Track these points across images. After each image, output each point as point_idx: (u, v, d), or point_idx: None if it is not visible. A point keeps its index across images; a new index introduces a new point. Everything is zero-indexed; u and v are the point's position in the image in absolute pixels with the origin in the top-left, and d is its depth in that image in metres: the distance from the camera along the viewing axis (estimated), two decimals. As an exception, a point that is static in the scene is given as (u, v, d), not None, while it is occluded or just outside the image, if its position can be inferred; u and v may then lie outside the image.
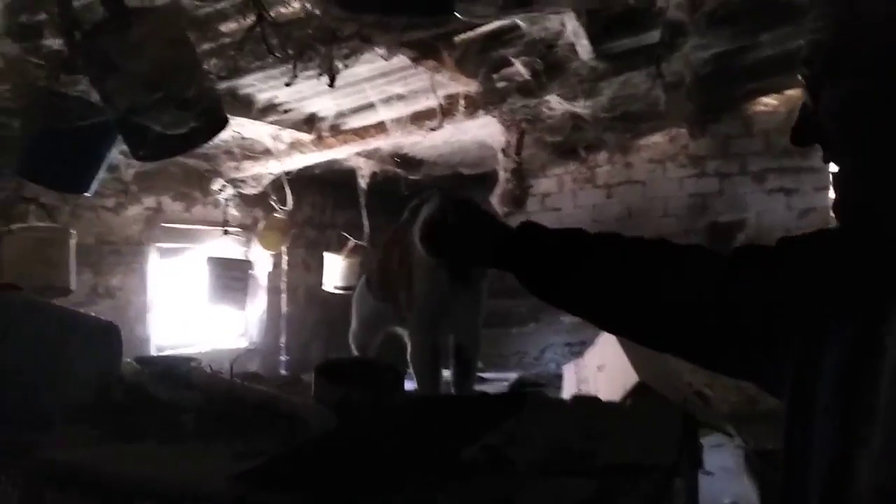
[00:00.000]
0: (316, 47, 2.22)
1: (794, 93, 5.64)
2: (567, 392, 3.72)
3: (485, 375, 5.30)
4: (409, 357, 1.60)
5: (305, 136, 4.35)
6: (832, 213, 0.76)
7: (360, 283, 1.89)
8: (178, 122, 1.63)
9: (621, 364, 3.21)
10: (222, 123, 1.91)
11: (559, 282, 0.96)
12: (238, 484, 0.95)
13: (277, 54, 2.10)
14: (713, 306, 0.86)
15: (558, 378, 4.45)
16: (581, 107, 4.16)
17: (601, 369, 3.58)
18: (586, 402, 1.49)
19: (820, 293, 0.76)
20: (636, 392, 2.81)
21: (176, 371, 1.44)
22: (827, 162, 0.76)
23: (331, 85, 2.60)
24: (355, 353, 2.09)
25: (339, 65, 2.44)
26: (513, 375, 5.28)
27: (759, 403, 4.12)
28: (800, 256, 0.83)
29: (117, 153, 2.35)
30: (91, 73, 1.76)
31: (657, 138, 5.96)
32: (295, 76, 2.34)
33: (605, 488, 0.96)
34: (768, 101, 5.77)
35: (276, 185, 4.81)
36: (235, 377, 1.59)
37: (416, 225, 1.47)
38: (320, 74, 2.51)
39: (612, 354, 3.50)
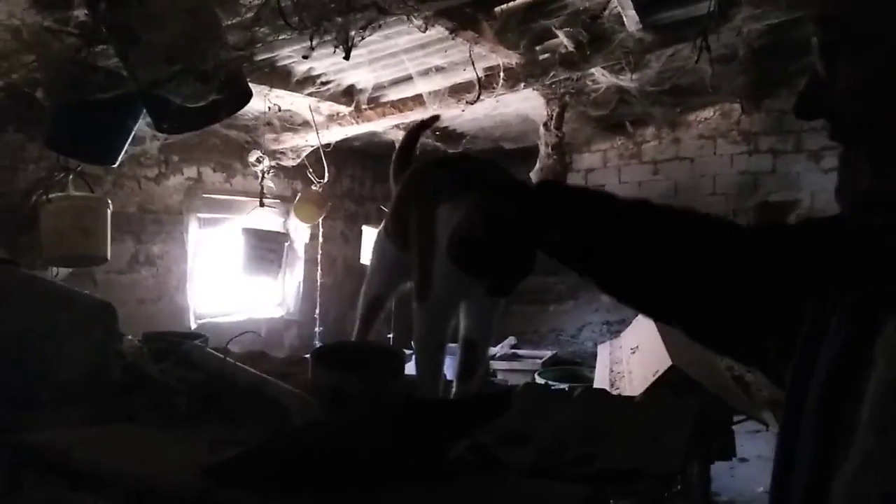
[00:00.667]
0: (332, 18, 2.15)
1: (857, 67, 5.34)
2: (599, 372, 3.64)
3: (520, 352, 5.26)
4: (413, 343, 1.50)
5: (344, 109, 4.30)
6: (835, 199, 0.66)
7: (379, 229, 1.68)
8: (198, 94, 1.60)
9: (656, 347, 3.12)
10: (245, 97, 1.87)
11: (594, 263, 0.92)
12: (205, 478, 0.92)
13: (293, 25, 2.04)
14: (727, 287, 0.79)
15: (594, 357, 4.36)
16: (627, 80, 4.00)
17: (635, 351, 3.49)
18: (593, 397, 1.40)
19: (822, 287, 0.68)
20: (668, 376, 2.72)
21: (176, 349, 1.42)
22: (834, 140, 0.65)
23: (346, 58, 2.53)
24: (364, 309, 1.81)
25: (359, 36, 2.36)
26: (547, 353, 5.22)
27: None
28: (810, 243, 0.75)
29: (142, 125, 2.34)
30: (114, 45, 1.74)
31: (707, 113, 5.73)
32: (312, 48, 2.28)
33: (596, 495, 0.90)
34: (828, 76, 5.47)
35: (315, 157, 4.80)
36: (238, 356, 1.56)
37: (443, 231, 1.27)
38: (336, 47, 2.43)
39: (648, 337, 3.40)
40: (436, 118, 2.23)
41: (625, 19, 3.41)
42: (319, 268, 5.31)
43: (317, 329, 5.19)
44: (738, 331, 0.79)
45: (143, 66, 1.59)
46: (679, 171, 5.82)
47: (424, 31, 3.01)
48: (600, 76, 4.07)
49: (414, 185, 1.55)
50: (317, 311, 5.23)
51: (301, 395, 1.25)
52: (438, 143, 5.31)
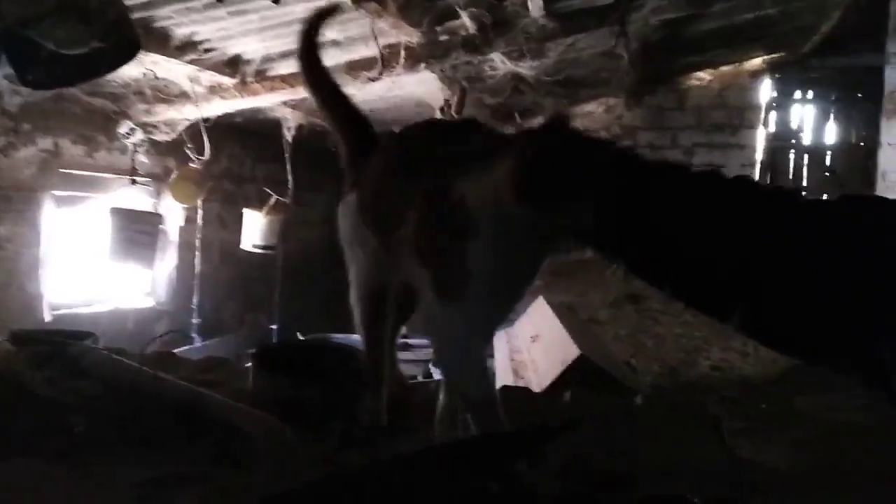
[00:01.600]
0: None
1: (727, 69, 5.67)
2: (499, 362, 3.59)
3: (410, 342, 5.14)
4: (437, 358, 1.18)
5: (227, 80, 3.97)
6: None
7: (345, 217, 1.38)
8: (76, 38, 1.32)
9: (559, 336, 3.11)
10: (133, 48, 1.60)
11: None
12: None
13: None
14: None
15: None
16: (526, 68, 3.97)
17: (535, 339, 3.48)
18: (585, 406, 1.27)
19: None
20: (576, 364, 2.72)
21: (62, 353, 1.11)
22: None
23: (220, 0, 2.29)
24: (365, 316, 1.34)
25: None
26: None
27: (682, 375, 4.16)
28: None
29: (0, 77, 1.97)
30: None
31: (592, 107, 5.88)
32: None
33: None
34: (702, 76, 5.78)
35: (193, 132, 4.41)
36: (143, 359, 1.29)
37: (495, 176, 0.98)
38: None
39: (548, 326, 3.40)
40: (335, 8, 1.88)
41: (529, 4, 3.37)
42: (199, 253, 4.91)
43: (193, 320, 4.79)
44: None
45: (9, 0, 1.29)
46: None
47: (327, -1, 2.79)
48: (499, 62, 4.02)
49: (408, 162, 1.25)
50: (194, 300, 4.83)
51: (262, 416, 0.99)
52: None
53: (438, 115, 4.29)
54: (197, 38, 3.52)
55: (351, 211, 1.35)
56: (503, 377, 3.44)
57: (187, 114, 4.24)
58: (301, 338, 4.45)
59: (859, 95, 5.36)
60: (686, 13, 3.55)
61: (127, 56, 1.62)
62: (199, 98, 4.04)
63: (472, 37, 3.57)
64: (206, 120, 4.22)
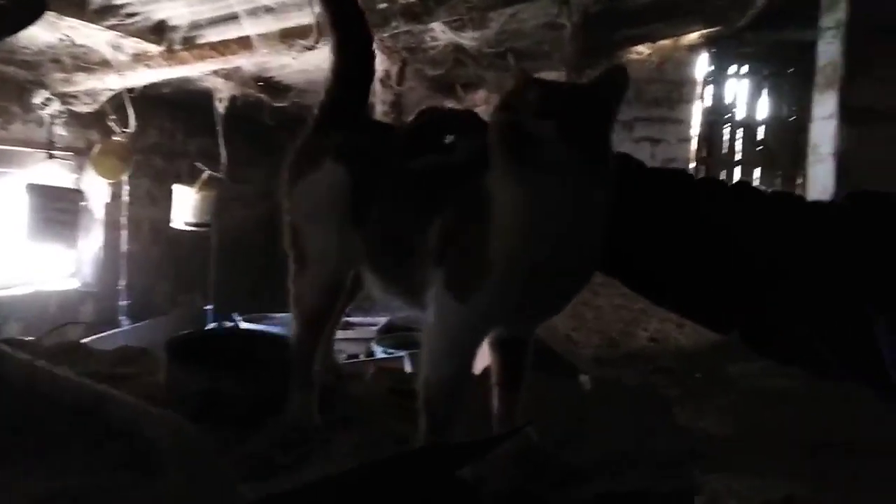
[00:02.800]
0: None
1: (666, 43, 5.71)
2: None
3: (352, 320, 5.05)
4: (428, 361, 0.95)
5: (153, 48, 3.74)
6: None
7: (324, 190, 1.08)
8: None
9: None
10: (38, 7, 1.44)
11: None
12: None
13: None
14: None
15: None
16: (467, 38, 3.88)
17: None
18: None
19: None
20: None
21: None
22: None
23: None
24: (311, 308, 1.15)
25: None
26: (382, 320, 5.07)
27: (621, 346, 4.22)
28: None
29: None
30: None
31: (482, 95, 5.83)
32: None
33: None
34: (641, 50, 5.80)
35: (117, 103, 4.16)
36: (47, 353, 1.17)
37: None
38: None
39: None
40: None
41: (471, -29, 3.27)
42: (126, 232, 4.67)
43: (121, 303, 4.57)
44: None
45: None
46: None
47: (259, -40, 2.64)
48: (440, 32, 3.92)
49: (433, 163, 1.02)
50: (121, 281, 4.60)
51: (169, 417, 0.85)
52: (262, 96, 4.86)
53: (378, 86, 4.16)
54: (117, 1, 3.29)
55: (328, 191, 1.09)
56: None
57: (110, 83, 4.00)
58: (221, 325, 4.28)
59: (791, 70, 5.49)
60: (627, -16, 3.52)
61: (31, 16, 1.46)
62: (123, 67, 3.80)
63: (412, 4, 3.46)
64: (130, 90, 3.99)
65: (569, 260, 0.89)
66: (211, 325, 4.57)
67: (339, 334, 4.99)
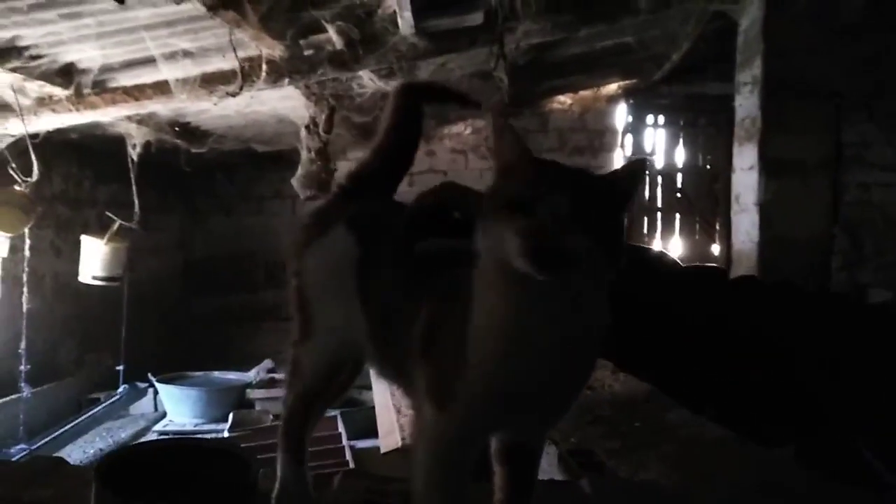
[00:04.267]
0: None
1: (587, 93, 5.90)
2: (378, 395, 3.39)
3: (278, 377, 4.83)
4: (416, 480, 0.85)
5: (59, 91, 3.49)
6: None
7: (335, 257, 1.00)
8: None
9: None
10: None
11: None
12: None
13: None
14: None
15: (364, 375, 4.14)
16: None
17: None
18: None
19: None
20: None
21: None
22: None
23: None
24: (294, 399, 1.04)
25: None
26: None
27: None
28: None
29: None
30: None
31: (459, 128, 5.89)
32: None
33: None
34: (564, 100, 5.97)
35: (18, 149, 3.84)
36: None
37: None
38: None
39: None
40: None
41: (400, 21, 3.24)
42: (26, 288, 4.28)
43: (21, 368, 4.15)
44: None
45: None
46: (434, 183, 5.86)
47: (179, 3, 2.51)
48: (368, 80, 3.87)
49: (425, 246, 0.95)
50: (22, 344, 4.19)
51: None
52: (179, 141, 4.65)
53: (303, 133, 4.05)
54: (21, 42, 3.06)
55: (336, 259, 1.01)
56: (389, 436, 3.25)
57: (11, 129, 3.70)
58: (167, 437, 3.95)
59: (704, 121, 5.75)
60: (554, 38, 3.59)
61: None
62: (26, 111, 3.53)
63: (340, 52, 3.39)
64: (33, 136, 3.69)
65: (563, 361, 0.79)
66: (152, 436, 4.20)
67: (263, 393, 4.76)
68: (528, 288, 0.73)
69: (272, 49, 3.28)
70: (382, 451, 3.32)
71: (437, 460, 0.83)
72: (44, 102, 3.57)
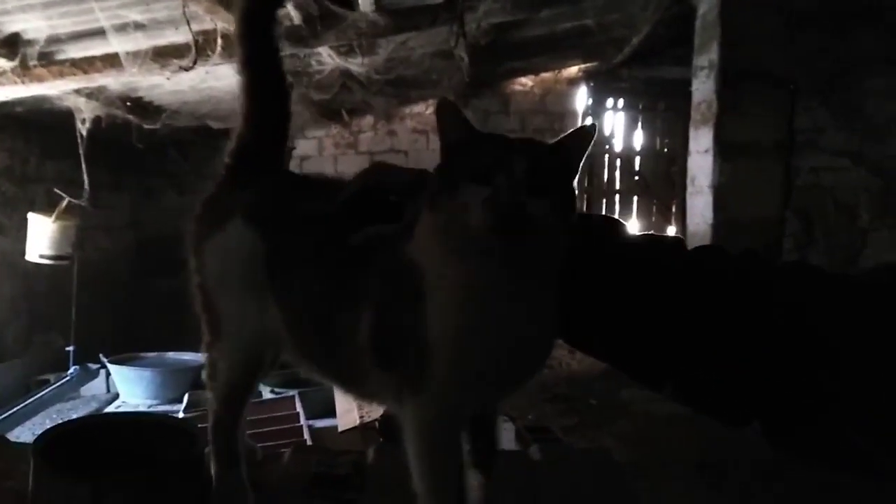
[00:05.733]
0: None
1: (547, 75, 5.91)
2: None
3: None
4: (415, 470, 0.83)
5: (4, 63, 3.35)
6: None
7: (235, 250, 0.92)
8: None
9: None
10: None
11: None
12: None
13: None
14: None
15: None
16: (356, 64, 3.79)
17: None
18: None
19: None
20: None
21: None
22: None
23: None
24: (217, 403, 0.99)
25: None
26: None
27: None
28: None
29: None
30: None
31: (420, 108, 5.85)
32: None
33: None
34: (525, 82, 5.97)
35: (-42, 122, 3.69)
36: None
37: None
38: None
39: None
40: None
41: (359, -1, 3.19)
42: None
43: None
44: None
45: None
46: (395, 163, 5.84)
47: (129, -28, 2.42)
48: (327, 57, 3.80)
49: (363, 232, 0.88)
50: (-36, 324, 4.07)
51: None
52: (131, 117, 4.51)
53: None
54: (-40, 10, 2.92)
55: (237, 256, 0.94)
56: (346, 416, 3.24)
57: (-50, 101, 3.55)
58: (109, 413, 3.88)
59: (663, 105, 5.81)
60: (515, 18, 3.57)
61: None
62: (-34, 82, 3.38)
63: (298, 28, 3.32)
64: (-25, 108, 3.55)
65: (524, 332, 0.79)
66: (91, 413, 4.09)
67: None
68: (486, 260, 0.74)
69: (228, 22, 3.19)
70: (340, 429, 3.32)
71: (427, 443, 0.83)
72: (-13, 74, 3.42)
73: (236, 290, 0.95)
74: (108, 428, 0.97)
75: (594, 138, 0.81)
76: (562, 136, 0.81)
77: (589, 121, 5.94)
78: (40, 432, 0.90)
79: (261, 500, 0.98)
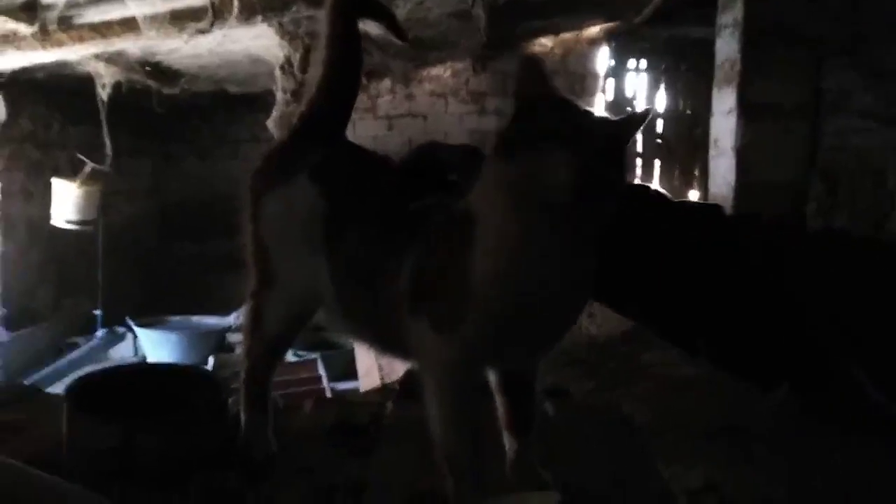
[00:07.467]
0: None
1: (568, 36, 5.79)
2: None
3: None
4: (434, 415, 0.87)
5: (24, 28, 3.36)
6: None
7: (297, 205, 0.98)
8: None
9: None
10: None
11: None
12: None
13: None
14: None
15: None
16: (372, 26, 3.74)
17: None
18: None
19: None
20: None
21: None
22: None
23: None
24: (259, 348, 1.04)
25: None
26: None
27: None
28: None
29: None
30: None
31: (439, 71, 5.78)
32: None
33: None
34: (544, 43, 5.86)
35: (-18, 89, 3.73)
36: None
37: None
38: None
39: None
40: None
41: (376, -44, 3.14)
42: (-2, 232, 4.23)
43: (-1, 311, 4.14)
44: None
45: None
46: (413, 127, 5.80)
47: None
48: (342, 18, 3.77)
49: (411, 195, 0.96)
50: (-4, 286, 4.17)
51: (76, 494, 0.67)
52: (150, 82, 4.53)
53: (278, 73, 3.96)
54: (-21, -26, 2.93)
55: (300, 210, 0.99)
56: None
57: (-27, 68, 3.58)
58: (139, 362, 3.98)
59: (686, 66, 5.69)
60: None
61: None
62: (-12, 48, 3.41)
63: (315, -10, 3.28)
64: (-2, 74, 3.58)
65: (561, 289, 0.83)
66: (119, 362, 4.20)
67: (238, 336, 4.76)
68: (547, 216, 0.78)
69: (244, -16, 3.17)
70: (362, 390, 3.38)
71: (447, 384, 0.87)
72: (8, 39, 3.45)
73: (293, 242, 1.00)
74: (138, 376, 1.02)
75: (646, 121, 0.86)
76: (625, 116, 0.84)
77: (611, 82, 5.85)
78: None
79: (282, 445, 1.03)
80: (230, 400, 1.01)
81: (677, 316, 0.84)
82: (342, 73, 1.12)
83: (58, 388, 4.31)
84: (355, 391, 3.48)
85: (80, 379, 0.95)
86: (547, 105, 0.81)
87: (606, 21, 5.56)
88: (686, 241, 0.83)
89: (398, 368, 2.64)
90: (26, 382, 4.11)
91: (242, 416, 1.03)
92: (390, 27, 1.22)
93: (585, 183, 0.75)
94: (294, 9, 3.37)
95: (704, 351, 0.83)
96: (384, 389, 3.25)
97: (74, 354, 4.53)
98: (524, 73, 0.83)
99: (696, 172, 5.71)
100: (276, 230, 1.02)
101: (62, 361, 4.40)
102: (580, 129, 0.78)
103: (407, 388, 2.08)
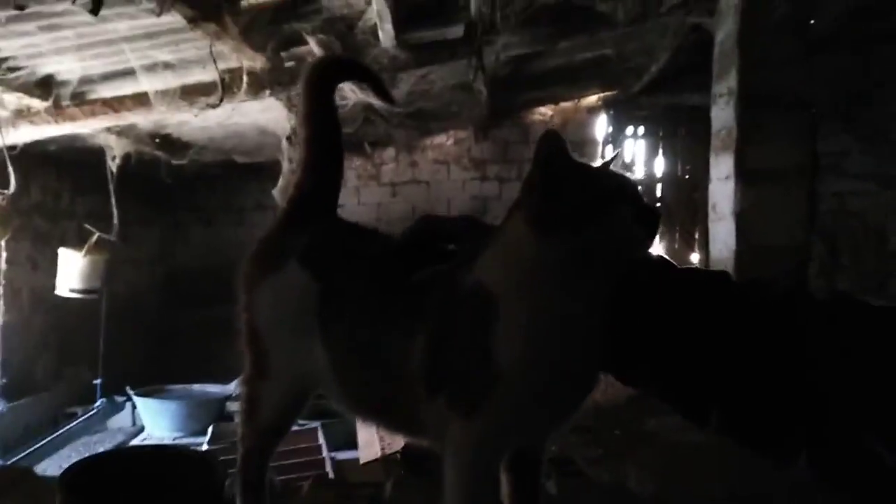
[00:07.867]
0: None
1: (567, 105, 5.95)
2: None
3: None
4: (455, 497, 0.84)
5: (38, 103, 3.47)
6: None
7: (292, 295, 0.96)
8: None
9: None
10: None
11: None
12: None
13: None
14: None
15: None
16: (377, 98, 3.85)
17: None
18: None
19: None
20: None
21: None
22: None
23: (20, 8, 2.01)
24: (254, 437, 1.02)
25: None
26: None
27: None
28: None
29: None
30: None
31: (441, 139, 5.92)
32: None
33: None
34: (544, 111, 6.01)
35: (-6, 161, 3.81)
36: None
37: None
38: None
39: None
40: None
41: (381, 34, 3.26)
42: (2, 301, 4.23)
43: (-2, 380, 4.11)
44: None
45: None
46: (416, 194, 5.89)
47: (159, 16, 2.51)
48: (349, 92, 3.87)
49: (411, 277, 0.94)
50: (-3, 355, 4.15)
51: None
52: (160, 153, 4.63)
53: (285, 144, 4.05)
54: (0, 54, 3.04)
55: (292, 297, 0.98)
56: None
57: (-13, 140, 3.66)
58: (132, 446, 3.92)
59: (683, 131, 5.81)
60: (533, 50, 3.62)
61: None
62: (4, 123, 3.50)
63: (321, 65, 3.39)
64: (11, 148, 3.66)
65: (585, 362, 0.82)
66: (116, 446, 4.14)
67: (237, 405, 4.71)
68: (598, 288, 0.79)
69: (253, 61, 3.28)
70: (362, 461, 3.31)
71: (471, 470, 0.83)
72: (22, 114, 3.55)
73: (287, 329, 0.98)
74: (131, 460, 0.99)
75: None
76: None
77: (610, 149, 5.96)
78: (67, 465, 0.92)
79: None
80: (227, 483, 0.99)
81: (687, 387, 0.83)
82: (323, 150, 1.10)
83: (55, 460, 4.23)
84: (356, 461, 3.41)
85: (74, 465, 0.92)
86: (581, 174, 0.81)
87: (604, 90, 5.71)
88: (695, 311, 0.82)
89: (399, 439, 2.60)
90: (22, 454, 4.05)
91: (238, 502, 1.00)
92: (376, 90, 1.19)
93: (655, 226, 0.78)
94: (300, 84, 3.47)
95: (716, 423, 0.81)
96: (385, 460, 3.18)
97: (72, 425, 4.47)
98: (549, 148, 0.80)
99: (697, 235, 5.75)
100: (270, 319, 1.00)
101: (59, 433, 4.34)
102: (628, 183, 0.81)
103: (408, 462, 2.04)
